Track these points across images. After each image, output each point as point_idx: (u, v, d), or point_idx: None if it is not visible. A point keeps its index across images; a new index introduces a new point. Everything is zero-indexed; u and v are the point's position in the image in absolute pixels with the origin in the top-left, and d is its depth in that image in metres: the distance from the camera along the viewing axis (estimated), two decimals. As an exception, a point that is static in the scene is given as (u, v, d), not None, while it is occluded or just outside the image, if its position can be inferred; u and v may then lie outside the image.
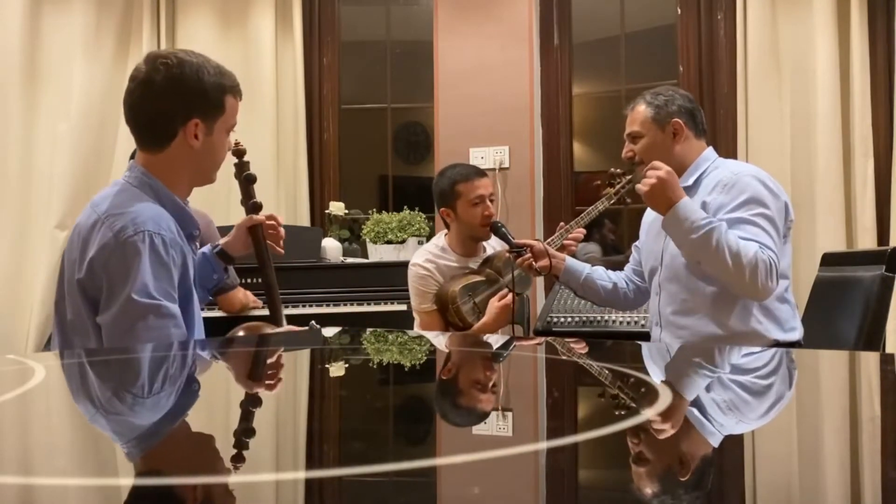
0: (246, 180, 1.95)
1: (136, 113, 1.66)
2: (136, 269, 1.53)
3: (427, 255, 2.67)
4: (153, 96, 1.63)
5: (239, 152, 1.93)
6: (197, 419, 0.84)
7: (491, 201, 2.63)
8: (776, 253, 1.99)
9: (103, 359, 1.35)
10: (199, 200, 1.86)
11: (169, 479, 0.60)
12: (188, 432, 0.78)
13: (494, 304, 2.52)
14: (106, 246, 1.55)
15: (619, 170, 2.40)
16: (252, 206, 1.95)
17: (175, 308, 1.58)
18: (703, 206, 2.08)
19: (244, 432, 0.77)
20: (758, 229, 2.01)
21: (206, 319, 1.81)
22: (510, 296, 2.50)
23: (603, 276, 2.45)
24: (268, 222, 1.93)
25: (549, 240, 2.55)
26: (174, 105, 1.64)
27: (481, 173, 2.66)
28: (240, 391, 1.05)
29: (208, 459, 0.66)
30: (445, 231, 2.75)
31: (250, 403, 0.95)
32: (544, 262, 2.38)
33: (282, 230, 1.97)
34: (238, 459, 0.66)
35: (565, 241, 2.51)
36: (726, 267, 1.95)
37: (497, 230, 2.58)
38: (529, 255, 2.39)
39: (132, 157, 3.04)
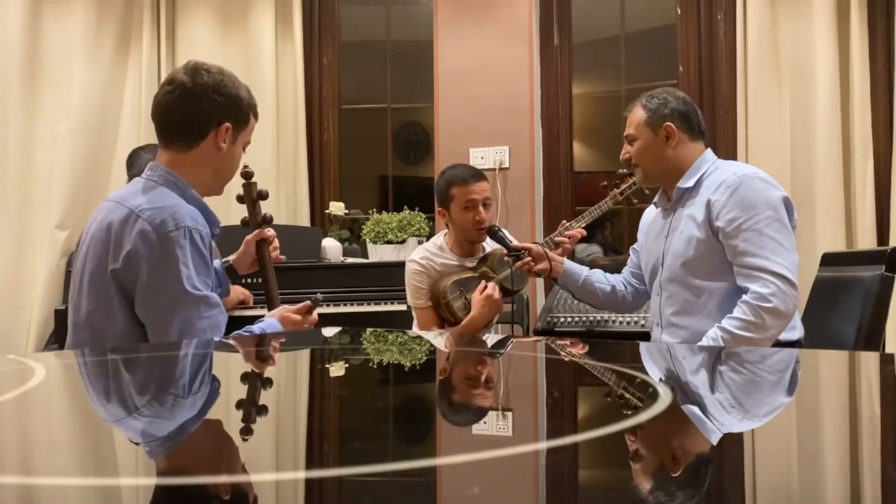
0: (259, 196, 2.05)
1: (170, 112, 1.74)
2: (183, 264, 1.61)
3: (424, 253, 2.67)
4: (194, 97, 1.72)
5: (247, 174, 2.04)
6: (197, 420, 0.84)
7: (486, 206, 2.59)
8: (784, 262, 2.00)
9: (104, 359, 1.35)
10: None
11: (170, 479, 0.60)
12: (189, 433, 0.78)
13: (476, 298, 2.50)
14: (146, 239, 1.61)
15: (626, 170, 2.41)
16: (263, 218, 2.05)
17: (217, 299, 1.68)
18: (708, 204, 2.09)
19: (244, 432, 0.77)
20: (767, 240, 2.01)
21: None
22: (491, 286, 2.49)
23: (601, 278, 2.45)
24: (271, 237, 2.05)
25: (548, 236, 2.55)
26: (213, 107, 1.73)
27: (479, 177, 2.62)
28: (240, 391, 1.05)
29: (210, 459, 0.66)
30: (446, 230, 2.74)
31: (250, 403, 0.95)
32: (543, 266, 2.38)
33: (276, 241, 2.08)
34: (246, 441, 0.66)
35: (558, 239, 2.49)
36: (757, 339, 1.98)
37: (494, 234, 2.56)
38: (529, 258, 2.39)
39: (129, 159, 3.05)
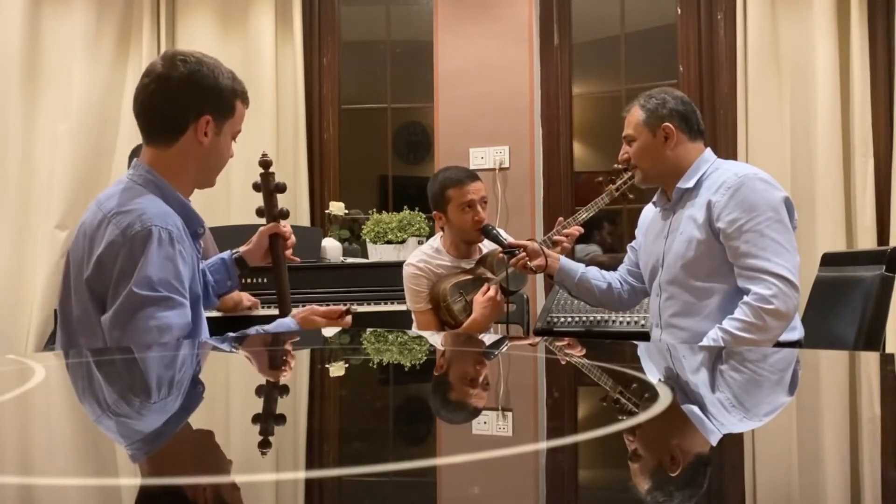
0: (276, 189, 2.01)
1: (148, 107, 1.69)
2: (143, 265, 1.54)
3: (421, 256, 2.67)
4: (169, 90, 1.66)
5: (265, 163, 2.00)
6: (198, 420, 0.84)
7: (483, 205, 2.59)
8: (785, 263, 1.99)
9: (104, 359, 1.35)
10: (199, 201, 1.88)
11: (169, 479, 0.60)
12: (189, 433, 0.78)
13: (479, 300, 2.50)
14: (114, 243, 1.57)
15: (621, 166, 2.40)
16: (279, 212, 2.02)
17: (181, 300, 1.59)
18: (709, 204, 2.08)
19: (244, 433, 0.77)
20: (769, 241, 2.01)
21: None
22: (493, 289, 2.49)
23: (597, 275, 2.44)
24: (286, 233, 2.00)
25: (546, 235, 2.54)
26: (189, 100, 1.67)
27: (473, 177, 2.62)
28: (239, 392, 1.05)
29: (209, 460, 0.66)
30: (442, 232, 2.74)
31: (250, 404, 0.95)
32: (539, 262, 2.38)
33: (293, 238, 2.03)
34: (262, 447, 0.66)
35: (556, 238, 2.49)
36: (758, 340, 1.97)
37: (488, 234, 2.55)
38: (524, 254, 2.39)
39: (132, 155, 3.06)
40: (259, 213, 2.04)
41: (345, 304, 1.92)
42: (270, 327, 1.81)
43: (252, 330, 1.78)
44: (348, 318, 1.91)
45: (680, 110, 2.20)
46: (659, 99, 2.21)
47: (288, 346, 1.57)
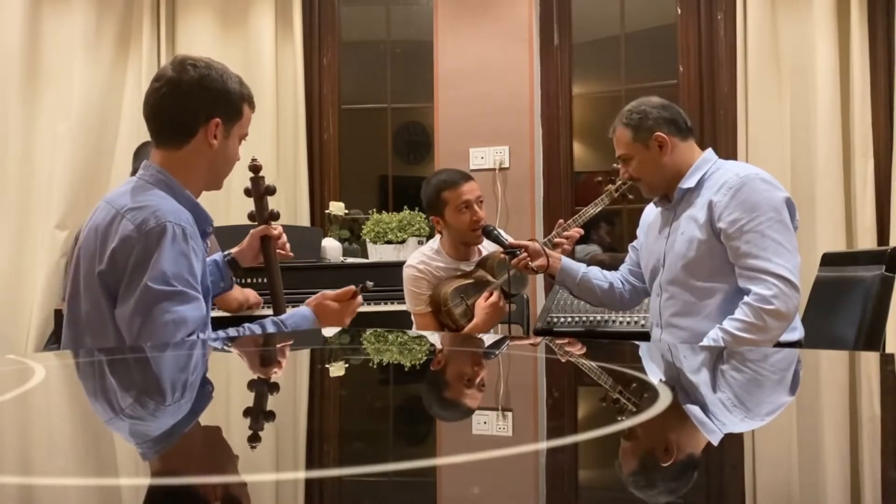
0: (266, 191, 2.04)
1: (159, 110, 1.73)
2: (157, 260, 1.58)
3: (421, 258, 2.67)
4: (180, 93, 1.70)
5: (255, 168, 2.03)
6: (198, 419, 0.84)
7: (480, 205, 2.59)
8: (785, 264, 1.99)
9: (104, 359, 1.35)
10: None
11: (170, 479, 0.60)
12: (190, 433, 0.78)
13: (481, 305, 2.50)
14: (129, 238, 1.60)
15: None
16: (270, 214, 2.04)
17: (195, 294, 1.62)
18: (710, 204, 2.08)
19: (245, 433, 0.77)
20: (769, 241, 2.01)
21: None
22: (496, 294, 2.49)
23: (599, 275, 2.44)
24: (277, 234, 2.03)
25: (547, 237, 2.54)
26: (200, 103, 1.71)
27: (467, 178, 2.62)
28: (240, 392, 1.05)
29: (210, 460, 0.66)
30: (440, 235, 2.73)
31: (250, 404, 0.95)
32: (541, 262, 2.37)
33: (284, 237, 2.06)
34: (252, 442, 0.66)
35: (556, 240, 2.49)
36: (759, 340, 1.97)
37: (489, 234, 2.55)
38: (525, 255, 2.39)
39: (137, 151, 3.07)
40: (251, 217, 2.06)
41: (362, 284, 1.91)
42: (286, 317, 1.82)
43: (268, 322, 1.79)
44: (359, 299, 1.92)
45: (665, 116, 2.19)
46: (639, 112, 2.20)
47: (288, 347, 1.57)
